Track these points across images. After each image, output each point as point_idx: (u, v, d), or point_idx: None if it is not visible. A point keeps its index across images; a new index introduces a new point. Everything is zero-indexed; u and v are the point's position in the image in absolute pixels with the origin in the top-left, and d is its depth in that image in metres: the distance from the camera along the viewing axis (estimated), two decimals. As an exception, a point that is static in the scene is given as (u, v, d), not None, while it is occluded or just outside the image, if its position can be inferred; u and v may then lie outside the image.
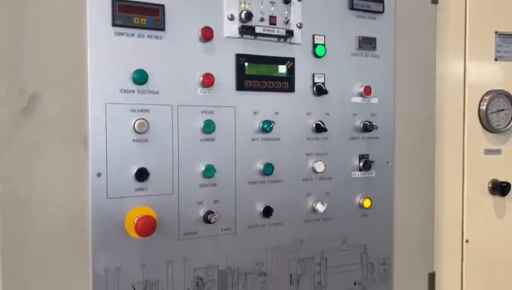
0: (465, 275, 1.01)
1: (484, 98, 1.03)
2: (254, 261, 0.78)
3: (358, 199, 0.88)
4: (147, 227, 0.67)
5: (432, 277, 0.98)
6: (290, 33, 0.78)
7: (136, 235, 0.68)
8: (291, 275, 0.82)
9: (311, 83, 0.82)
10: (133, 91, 0.68)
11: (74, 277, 0.66)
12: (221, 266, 0.76)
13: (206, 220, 0.73)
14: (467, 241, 1.02)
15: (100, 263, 0.67)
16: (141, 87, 0.68)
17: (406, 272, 0.94)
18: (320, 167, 0.83)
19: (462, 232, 1.02)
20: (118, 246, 0.68)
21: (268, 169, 0.78)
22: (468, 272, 1.02)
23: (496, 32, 1.03)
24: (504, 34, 1.04)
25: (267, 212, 0.78)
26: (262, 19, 0.77)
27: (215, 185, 0.75)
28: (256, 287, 0.79)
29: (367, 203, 0.88)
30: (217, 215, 0.73)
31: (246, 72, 0.76)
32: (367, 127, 0.86)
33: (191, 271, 0.73)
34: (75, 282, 0.66)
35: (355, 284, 0.89)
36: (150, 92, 0.69)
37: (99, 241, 0.67)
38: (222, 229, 0.76)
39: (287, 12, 0.79)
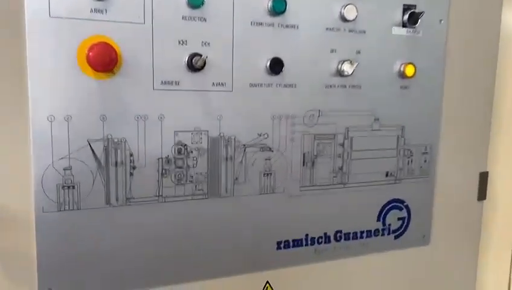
0: (524, 179, 0.81)
1: None
2: (256, 131, 0.60)
3: (398, 65, 0.67)
4: (103, 57, 0.48)
5: (483, 176, 0.79)
6: None
7: (91, 73, 0.50)
8: (304, 154, 0.64)
9: None
10: None
11: (8, 125, 0.49)
12: (212, 132, 0.58)
13: (191, 65, 0.54)
14: (530, 138, 0.81)
15: (43, 108, 0.49)
16: None
17: (453, 167, 0.75)
18: (350, 12, 0.62)
19: (526, 127, 0.81)
20: (67, 87, 0.50)
21: (279, 5, 0.57)
22: (529, 175, 0.81)
23: None
24: None
25: (276, 66, 0.59)
26: None
27: (205, 20, 0.55)
28: (259, 164, 0.61)
29: (410, 70, 0.67)
30: (206, 57, 0.53)
31: None
32: (417, -36, 0.64)
33: (170, 134, 0.55)
34: (10, 132, 0.49)
35: (387, 175, 0.70)
36: None
37: (42, 77, 0.49)
38: (214, 84, 0.57)
39: None
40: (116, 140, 0.53)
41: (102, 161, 0.52)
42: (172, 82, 0.54)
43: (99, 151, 0.52)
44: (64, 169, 0.51)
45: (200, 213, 0.58)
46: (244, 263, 0.62)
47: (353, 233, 0.69)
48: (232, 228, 0.61)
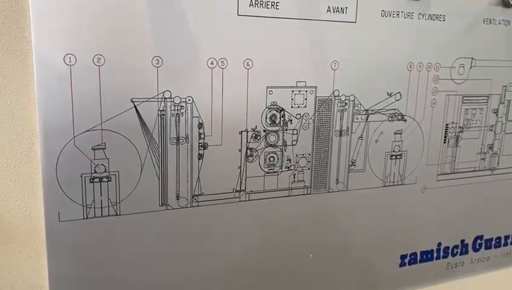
0: None
1: None
2: (385, 89, 0.39)
3: None
4: None
5: None
6: None
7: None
8: (447, 126, 0.43)
9: None
10: None
11: (-4, 71, 0.29)
12: (322, 90, 0.37)
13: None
14: None
15: (54, 42, 0.29)
16: None
17: None
18: None
19: None
20: (91, 7, 0.29)
21: None
22: None
23: None
24: None
25: (422, -16, 0.38)
26: None
27: None
28: (385, 140, 0.41)
29: None
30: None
31: None
32: None
33: (261, 91, 0.35)
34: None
35: (547, 156, 0.50)
36: None
37: (51, -14, 0.28)
38: (330, 9, 0.36)
39: None
40: (178, 100, 0.32)
41: (156, 135, 0.32)
42: (268, 3, 0.33)
43: (151, 119, 0.32)
44: (94, 149, 0.31)
45: (297, 218, 0.39)
46: (359, 287, 0.43)
47: (496, 239, 0.50)
48: (343, 237, 0.41)
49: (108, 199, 0.32)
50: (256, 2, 0.33)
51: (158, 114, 0.32)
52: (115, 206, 0.32)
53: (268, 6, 0.33)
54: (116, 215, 0.32)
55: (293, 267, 0.39)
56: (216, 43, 0.33)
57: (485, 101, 0.44)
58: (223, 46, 0.33)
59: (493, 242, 0.50)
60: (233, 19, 0.33)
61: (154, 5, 0.30)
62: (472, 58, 0.42)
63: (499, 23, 0.43)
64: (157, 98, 0.32)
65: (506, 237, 0.51)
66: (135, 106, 0.31)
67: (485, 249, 0.49)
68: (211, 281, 0.36)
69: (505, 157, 0.47)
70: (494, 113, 0.45)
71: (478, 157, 0.46)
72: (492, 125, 0.46)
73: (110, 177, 0.31)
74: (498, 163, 0.47)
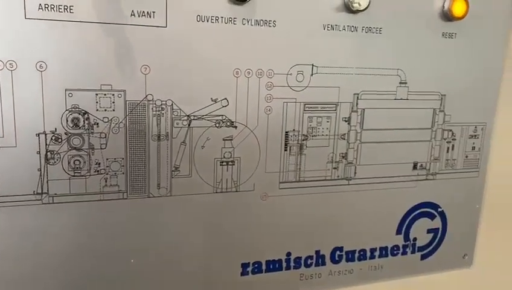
0: None
1: None
2: (208, 95, 0.40)
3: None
4: None
5: (557, 173, 0.57)
6: None
7: None
8: (287, 133, 0.43)
9: None
10: None
11: None
12: (133, 94, 0.38)
13: (91, -22, 0.34)
14: None
15: None
16: None
17: (513, 157, 0.54)
18: None
19: None
20: None
21: None
22: None
23: None
24: None
25: (241, -12, 0.38)
26: None
27: None
28: (213, 147, 0.41)
29: (459, 8, 0.46)
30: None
31: None
32: None
33: (58, 93, 0.36)
34: None
35: (415, 167, 0.50)
36: None
37: None
38: (134, 14, 0.37)
39: None
40: None
41: None
42: (60, 7, 0.34)
43: None
44: None
45: (113, 222, 0.39)
46: (189, 295, 0.43)
47: (360, 251, 0.50)
48: (169, 245, 0.41)
49: None
50: (46, 6, 0.34)
51: None
52: None
53: (60, 10, 0.34)
54: None
55: (110, 273, 0.40)
56: (2, 45, 0.33)
57: (333, 109, 0.44)
58: (10, 49, 0.34)
59: (356, 254, 0.50)
60: (20, 22, 0.33)
61: None
62: (313, 65, 0.42)
63: (344, 29, 0.43)
64: None
65: (373, 250, 0.50)
66: None
67: (347, 261, 0.49)
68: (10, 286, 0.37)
69: (363, 167, 0.47)
70: (346, 121, 0.45)
71: (330, 166, 0.46)
72: (344, 134, 0.45)
73: None
74: (355, 173, 0.47)
